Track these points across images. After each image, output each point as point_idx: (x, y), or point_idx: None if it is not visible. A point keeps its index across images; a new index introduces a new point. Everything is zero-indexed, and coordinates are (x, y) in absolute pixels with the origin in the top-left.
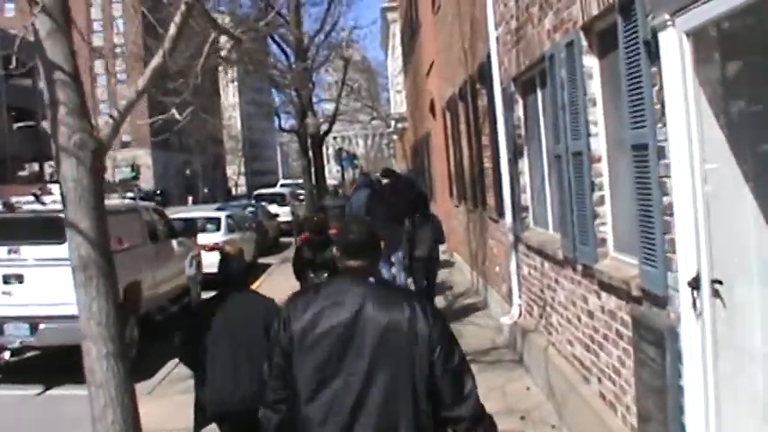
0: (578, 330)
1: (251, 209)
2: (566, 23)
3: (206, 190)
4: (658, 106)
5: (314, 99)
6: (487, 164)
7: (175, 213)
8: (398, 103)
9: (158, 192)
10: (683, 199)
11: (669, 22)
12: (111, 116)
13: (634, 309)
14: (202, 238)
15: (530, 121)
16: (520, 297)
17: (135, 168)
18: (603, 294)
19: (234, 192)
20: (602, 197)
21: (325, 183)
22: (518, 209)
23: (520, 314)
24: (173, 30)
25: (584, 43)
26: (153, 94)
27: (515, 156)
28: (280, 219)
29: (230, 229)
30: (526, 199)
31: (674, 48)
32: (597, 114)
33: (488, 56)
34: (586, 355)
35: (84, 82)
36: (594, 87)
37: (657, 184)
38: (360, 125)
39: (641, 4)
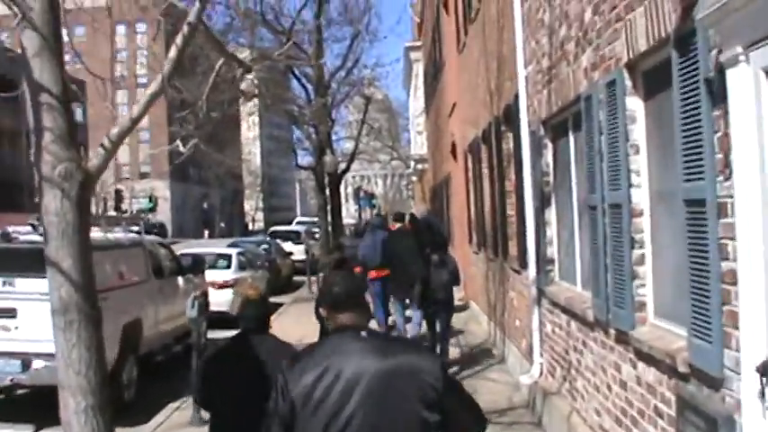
0: (608, 400)
1: (264, 246)
2: (606, 61)
3: (223, 224)
4: (720, 156)
5: (333, 137)
6: (510, 211)
7: (187, 248)
8: (419, 144)
9: (156, 225)
10: (752, 267)
11: (742, 57)
12: (102, 145)
13: (679, 386)
14: (212, 275)
15: (559, 167)
16: (541, 355)
17: (152, 199)
18: (641, 365)
19: (251, 227)
20: (643, 256)
21: (341, 221)
22: (543, 261)
23: (541, 373)
24: (173, 52)
25: (629, 83)
26: (174, 126)
27: (542, 204)
28: (294, 257)
29: (241, 267)
30: (552, 251)
31: (748, 87)
32: (640, 163)
33: (516, 96)
34: (617, 429)
35: (107, 112)
36: (638, 132)
37: (716, 246)
38: (379, 165)
39: (704, 36)
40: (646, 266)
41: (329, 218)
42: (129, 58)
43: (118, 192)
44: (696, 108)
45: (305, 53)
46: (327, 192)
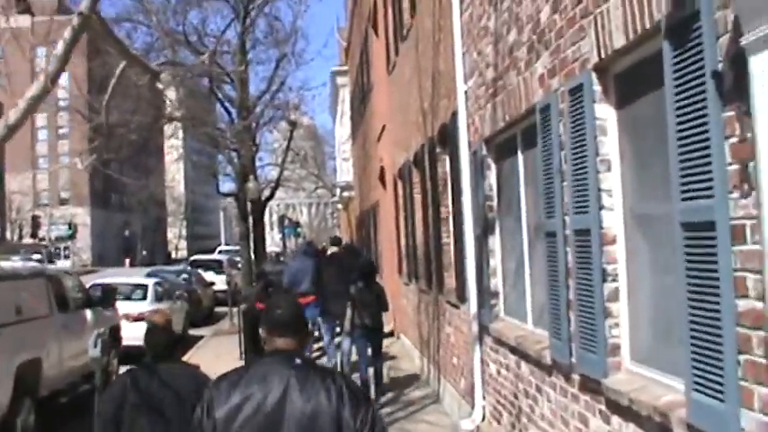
0: None
1: (184, 276)
2: (569, 64)
3: (145, 252)
4: (736, 167)
5: (257, 162)
6: (446, 239)
7: (101, 277)
8: (345, 171)
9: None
10: None
11: None
12: None
13: None
14: (127, 307)
15: (505, 190)
16: (484, 398)
17: (72, 226)
18: (616, 419)
19: (174, 255)
20: (617, 290)
21: (264, 250)
22: (485, 294)
23: (483, 418)
24: (60, 47)
25: (597, 88)
26: (94, 150)
27: (485, 231)
28: (216, 287)
29: (158, 298)
30: (496, 284)
31: None
32: (612, 181)
33: (454, 114)
34: None
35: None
36: (610, 145)
37: (731, 280)
38: (304, 193)
39: (710, 19)
40: (620, 303)
41: (252, 246)
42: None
43: (35, 218)
44: (699, 110)
45: (227, 74)
46: (250, 219)
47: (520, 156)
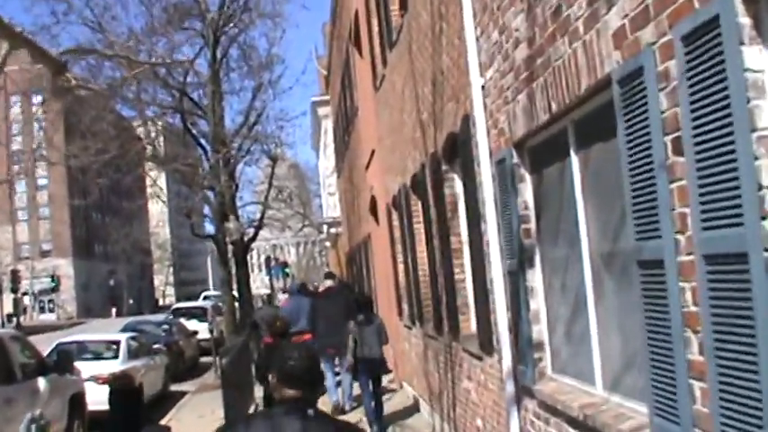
0: None
1: (165, 326)
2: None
3: (131, 301)
4: None
5: (239, 202)
6: (460, 275)
7: (69, 336)
8: (331, 207)
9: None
10: None
11: None
12: None
13: None
14: (96, 368)
15: (549, 207)
16: None
17: (54, 279)
18: None
19: (162, 302)
20: None
21: (250, 294)
22: (525, 345)
23: None
24: None
25: (744, 20)
26: (76, 202)
27: (521, 264)
28: (200, 336)
29: (132, 355)
30: (540, 332)
31: None
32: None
33: (466, 118)
34: None
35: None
36: None
37: None
38: (291, 232)
39: None
40: None
41: (236, 291)
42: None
43: (14, 272)
44: None
45: (200, 107)
46: (232, 262)
47: (574, 158)
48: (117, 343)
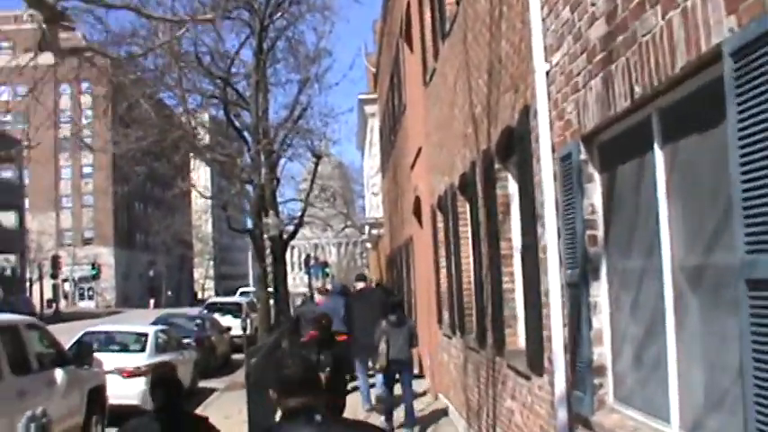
0: None
1: (197, 321)
2: None
3: (170, 293)
4: None
5: (279, 198)
6: (509, 284)
7: (101, 324)
8: (374, 207)
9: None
10: None
11: None
12: None
13: None
14: (121, 360)
15: (622, 210)
16: None
17: (95, 266)
18: None
19: (201, 295)
20: None
21: (287, 292)
22: (584, 368)
23: None
24: None
25: None
26: (119, 191)
27: (584, 275)
28: (233, 332)
29: (160, 349)
30: (602, 355)
31: None
32: None
33: (526, 110)
34: None
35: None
36: None
37: None
38: (332, 232)
39: None
40: None
41: (273, 288)
42: (72, 119)
43: (55, 258)
44: None
45: (243, 98)
46: (271, 258)
47: (658, 152)
48: (145, 336)
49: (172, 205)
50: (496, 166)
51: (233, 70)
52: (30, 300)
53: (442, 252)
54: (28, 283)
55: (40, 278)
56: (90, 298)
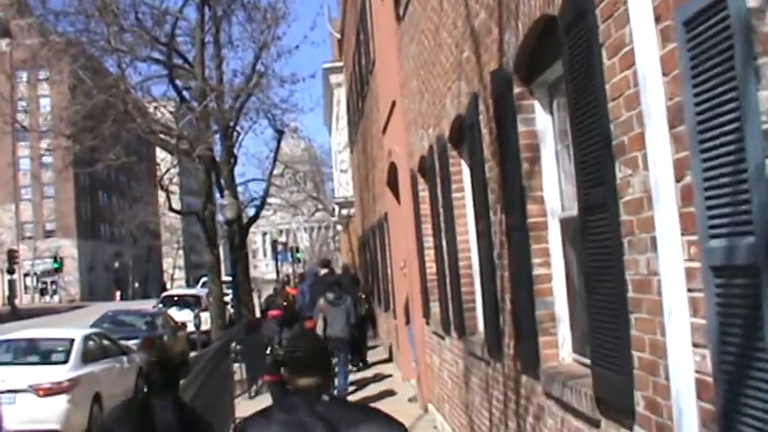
0: None
1: (146, 319)
2: None
3: (137, 284)
4: None
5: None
6: (542, 268)
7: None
8: (343, 186)
9: None
10: None
11: None
12: None
13: None
14: (37, 375)
15: None
16: None
17: (57, 260)
18: None
19: (169, 286)
20: None
21: (248, 281)
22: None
23: None
24: None
25: None
26: (81, 180)
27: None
28: (190, 329)
29: (90, 357)
30: None
31: None
32: None
33: None
34: None
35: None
36: None
37: None
38: (304, 217)
39: None
40: None
41: (231, 278)
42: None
43: (11, 252)
44: None
45: (189, 63)
46: (228, 245)
47: None
48: (69, 343)
49: (137, 194)
50: (517, 89)
51: (178, 36)
52: None
53: (428, 228)
54: None
55: (1, 273)
56: (54, 293)
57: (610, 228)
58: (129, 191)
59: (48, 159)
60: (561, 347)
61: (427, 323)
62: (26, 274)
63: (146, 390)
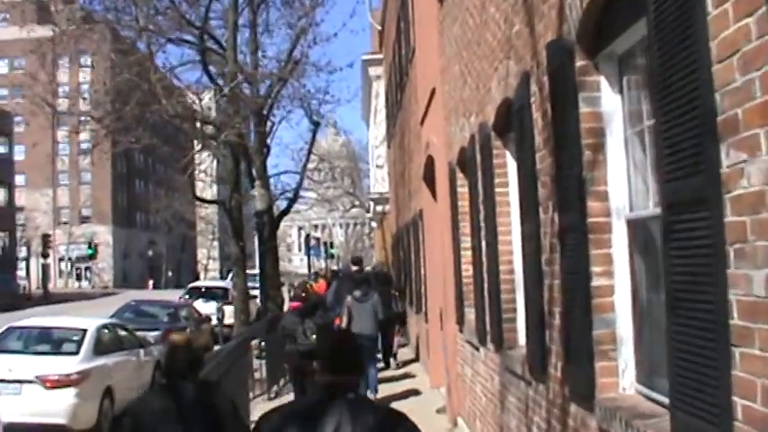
0: None
1: (169, 311)
2: None
3: (170, 273)
4: None
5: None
6: (602, 278)
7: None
8: (379, 181)
9: None
10: None
11: None
12: None
13: None
14: (46, 366)
15: None
16: None
17: (92, 246)
18: None
19: (203, 276)
20: None
21: (278, 275)
22: None
23: None
24: None
25: None
26: (118, 168)
27: None
28: (214, 323)
29: (103, 349)
30: None
31: None
32: None
33: None
34: None
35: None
36: None
37: None
38: (339, 212)
39: None
40: None
41: (259, 271)
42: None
43: (45, 237)
44: None
45: (219, 44)
46: (257, 237)
47: None
48: (83, 332)
49: (173, 183)
50: (580, 62)
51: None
52: (11, 279)
53: (466, 227)
54: (24, 263)
55: (28, 257)
56: (87, 278)
57: (708, 231)
58: (166, 180)
59: (86, 145)
60: (622, 376)
61: (460, 330)
62: (61, 259)
63: (168, 373)
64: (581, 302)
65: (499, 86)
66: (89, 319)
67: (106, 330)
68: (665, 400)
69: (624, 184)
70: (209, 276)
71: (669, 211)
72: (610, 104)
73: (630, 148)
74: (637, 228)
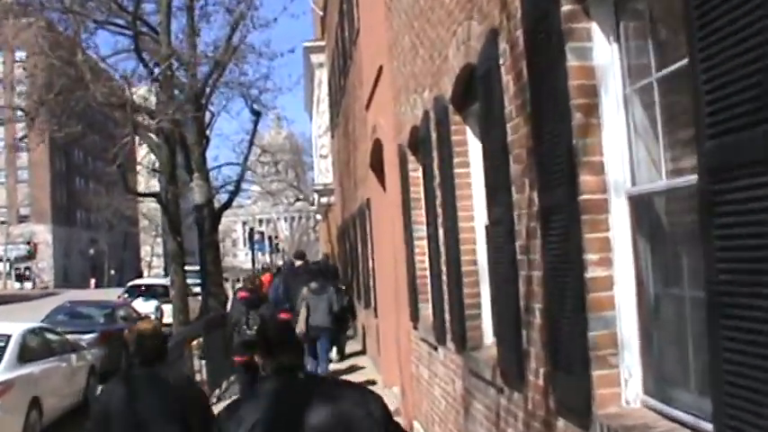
0: None
1: (106, 310)
2: None
3: (113, 272)
4: None
5: (213, 162)
6: (599, 269)
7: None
8: (323, 172)
9: None
10: None
11: None
12: None
13: None
14: None
15: None
16: None
17: (30, 247)
18: None
19: (147, 274)
20: None
21: (219, 272)
22: None
23: None
24: None
25: None
26: (57, 165)
27: None
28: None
29: (26, 358)
30: None
31: None
32: None
33: None
34: None
35: None
36: None
37: None
38: (284, 206)
39: None
40: None
41: (200, 267)
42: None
43: None
44: None
45: (152, 29)
46: (198, 231)
47: None
48: (5, 339)
49: (113, 179)
50: (567, 6)
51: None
52: None
53: (419, 214)
54: None
55: None
56: (27, 279)
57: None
58: (106, 176)
59: (22, 142)
60: (626, 386)
61: (415, 327)
62: None
63: (129, 364)
64: (572, 298)
65: (458, 52)
66: (14, 323)
67: (33, 335)
68: (684, 416)
69: (624, 153)
70: (153, 274)
71: (712, 178)
72: (604, 57)
73: (631, 109)
74: (640, 205)
